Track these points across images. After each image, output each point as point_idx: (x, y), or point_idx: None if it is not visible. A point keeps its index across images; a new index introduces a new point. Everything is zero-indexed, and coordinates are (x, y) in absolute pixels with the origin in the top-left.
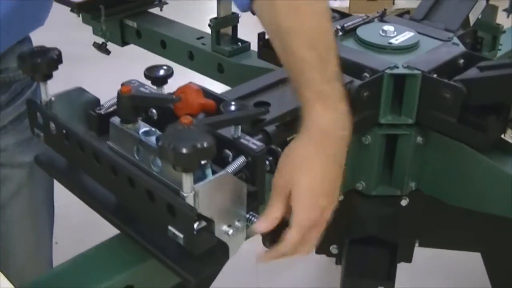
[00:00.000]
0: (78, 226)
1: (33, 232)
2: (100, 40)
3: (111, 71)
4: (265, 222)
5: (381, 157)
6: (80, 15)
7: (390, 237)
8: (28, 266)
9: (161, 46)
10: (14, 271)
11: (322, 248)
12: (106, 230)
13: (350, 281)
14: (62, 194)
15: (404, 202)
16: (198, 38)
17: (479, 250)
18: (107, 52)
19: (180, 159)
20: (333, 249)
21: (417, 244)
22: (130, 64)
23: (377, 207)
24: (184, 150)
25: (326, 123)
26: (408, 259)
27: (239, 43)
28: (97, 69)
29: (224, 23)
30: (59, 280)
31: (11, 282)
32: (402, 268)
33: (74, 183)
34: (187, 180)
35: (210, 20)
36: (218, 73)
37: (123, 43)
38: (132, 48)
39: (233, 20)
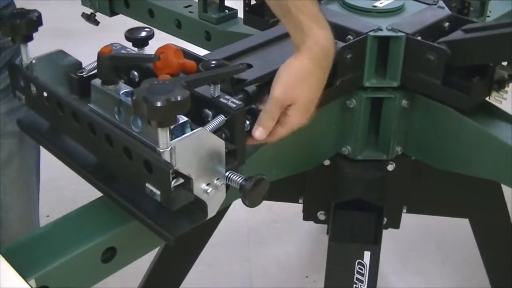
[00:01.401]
0: (69, 198)
1: (24, 199)
2: (89, 11)
3: (104, 44)
4: (262, 129)
5: (366, 121)
6: None
7: (376, 200)
8: (20, 233)
9: (149, 15)
10: (7, 238)
11: (309, 215)
12: None
13: (336, 246)
14: (53, 167)
15: (390, 167)
16: (186, 7)
17: (466, 215)
18: (96, 22)
19: (154, 112)
20: (321, 215)
21: (405, 210)
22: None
23: (363, 171)
24: (158, 103)
25: (324, 39)
26: (396, 225)
27: (226, 11)
28: (90, 43)
29: None
30: (41, 241)
31: None
32: (393, 239)
33: (55, 145)
34: (162, 136)
35: None
36: (205, 41)
37: (112, 13)
38: (124, 22)
39: None
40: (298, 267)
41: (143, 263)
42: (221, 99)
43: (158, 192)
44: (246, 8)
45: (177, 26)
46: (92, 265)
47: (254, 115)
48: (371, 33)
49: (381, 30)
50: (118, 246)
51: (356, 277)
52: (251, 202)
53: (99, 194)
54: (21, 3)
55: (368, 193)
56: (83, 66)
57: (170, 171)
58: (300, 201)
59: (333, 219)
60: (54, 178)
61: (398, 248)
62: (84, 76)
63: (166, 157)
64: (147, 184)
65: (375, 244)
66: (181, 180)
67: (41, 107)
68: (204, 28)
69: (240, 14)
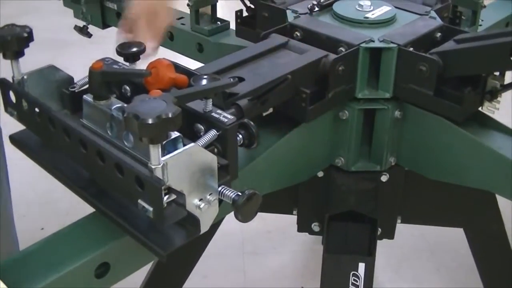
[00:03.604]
0: (64, 211)
1: None
2: (81, 24)
3: (96, 56)
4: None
5: (359, 132)
6: None
7: (369, 212)
8: None
9: None
10: None
11: (303, 226)
12: None
13: (331, 257)
14: (47, 179)
15: (384, 178)
16: (178, 19)
17: (461, 225)
18: (89, 35)
19: (145, 129)
20: (315, 226)
21: (399, 221)
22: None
23: (357, 183)
24: (150, 121)
25: None
26: (390, 236)
27: (219, 22)
28: (81, 54)
29: (203, 2)
30: (32, 258)
31: None
32: (387, 247)
33: (47, 161)
34: (154, 152)
35: (189, 0)
36: (198, 53)
37: (104, 25)
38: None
39: None
40: (293, 277)
41: (137, 277)
42: (213, 114)
43: (151, 209)
44: (238, 20)
45: (169, 38)
46: (86, 281)
47: (246, 129)
48: (363, 45)
49: (373, 41)
50: (111, 261)
51: None
52: (244, 217)
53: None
54: (13, 12)
55: (361, 205)
56: (75, 81)
57: (162, 188)
58: (294, 212)
59: (327, 231)
60: (49, 190)
61: (392, 256)
62: (76, 91)
63: (158, 173)
64: (139, 201)
65: (369, 255)
66: (174, 196)
67: (32, 123)
68: (196, 40)
69: (232, 26)
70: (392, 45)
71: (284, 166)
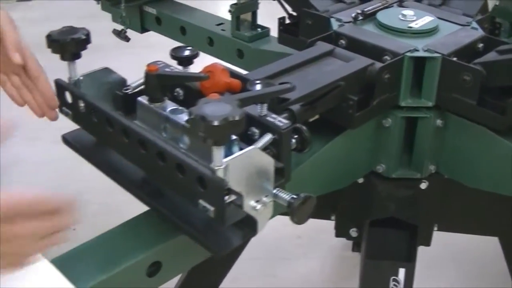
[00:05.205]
0: (94, 212)
1: None
2: (117, 28)
3: (127, 60)
4: None
5: (400, 140)
6: (100, 2)
7: (410, 219)
8: None
9: (181, 32)
10: None
11: (342, 232)
12: (123, 215)
13: (371, 263)
14: (77, 181)
15: (423, 185)
16: (218, 24)
17: (496, 234)
18: (127, 39)
19: (211, 131)
20: (353, 232)
21: (435, 228)
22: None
23: (397, 189)
24: (216, 122)
25: None
26: (427, 243)
27: (259, 29)
28: (113, 59)
29: (244, 9)
30: (86, 255)
31: None
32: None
33: (101, 160)
34: (217, 154)
35: (231, 6)
36: (238, 59)
37: (143, 29)
38: (146, 37)
39: (253, 5)
40: (323, 282)
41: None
42: (268, 118)
43: (212, 208)
44: (281, 28)
45: (209, 44)
46: (138, 279)
47: (299, 134)
48: (408, 54)
49: (417, 50)
50: (163, 261)
51: None
52: (299, 219)
53: (123, 208)
54: (39, 17)
55: (402, 211)
56: (128, 83)
57: (225, 188)
58: (332, 218)
59: (367, 237)
60: (79, 192)
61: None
62: (129, 93)
63: (220, 174)
64: (200, 200)
65: (409, 261)
66: (234, 197)
67: (88, 123)
68: (236, 46)
69: (272, 33)
70: (436, 54)
71: (327, 172)
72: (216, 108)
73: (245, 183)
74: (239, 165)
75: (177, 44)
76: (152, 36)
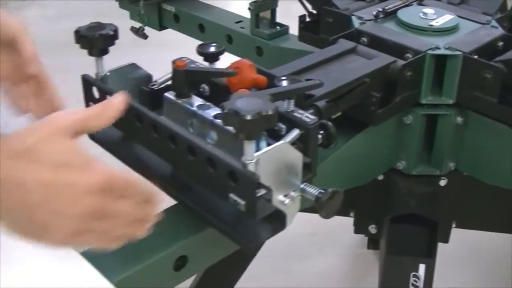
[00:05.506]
0: None
1: None
2: (132, 26)
3: (141, 58)
4: None
5: (421, 137)
6: (118, 0)
7: (430, 215)
8: None
9: (199, 30)
10: None
11: (361, 228)
12: None
13: (392, 258)
14: None
15: (443, 182)
16: (237, 22)
17: None
18: (145, 36)
19: (245, 125)
20: (372, 228)
21: (454, 225)
22: (159, 50)
23: (417, 186)
24: (249, 117)
25: None
26: (445, 240)
27: (278, 27)
28: (127, 57)
29: (264, 7)
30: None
31: None
32: None
33: (128, 155)
34: (249, 148)
35: (250, 4)
36: (257, 56)
37: (161, 27)
38: (160, 36)
39: (272, 3)
40: (338, 280)
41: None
42: (296, 114)
43: (243, 202)
44: (301, 25)
45: (227, 41)
46: (165, 273)
47: (326, 130)
48: (430, 52)
49: (439, 48)
50: (189, 255)
51: None
52: (326, 213)
53: None
54: (54, 14)
55: (422, 208)
56: (153, 79)
57: (256, 182)
58: (351, 214)
59: (388, 233)
60: None
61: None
62: (155, 89)
63: (251, 168)
64: (230, 194)
65: (429, 257)
66: (264, 191)
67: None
68: (256, 43)
69: (291, 31)
70: (457, 52)
71: (349, 168)
72: (249, 103)
73: (274, 177)
74: (269, 160)
75: (194, 41)
76: (165, 34)
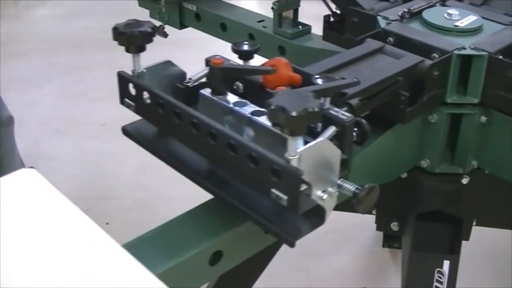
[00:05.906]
0: (126, 207)
1: None
2: (157, 24)
3: (151, 56)
4: None
5: (445, 135)
6: None
7: (455, 212)
8: None
9: (221, 29)
10: None
11: (382, 225)
12: (154, 210)
13: (417, 255)
14: (109, 177)
15: (465, 180)
16: (259, 21)
17: None
18: (165, 35)
19: (290, 121)
20: (394, 226)
21: (474, 223)
22: (170, 49)
23: (441, 184)
24: (295, 113)
25: None
26: (466, 237)
27: (300, 26)
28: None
29: (287, 6)
30: (150, 244)
31: None
32: None
33: (164, 151)
34: (292, 144)
35: (273, 3)
36: (279, 55)
37: (181, 26)
38: (177, 35)
39: (295, 3)
40: (355, 277)
41: None
42: (331, 111)
43: (285, 197)
44: (326, 25)
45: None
46: (200, 268)
47: (360, 127)
48: (456, 52)
49: (465, 48)
50: (225, 250)
51: (435, 286)
52: (364, 208)
53: (154, 203)
54: (68, 13)
55: (447, 205)
56: (188, 76)
57: (300, 177)
58: (373, 212)
59: (413, 230)
60: (111, 187)
61: None
62: (190, 86)
63: (294, 164)
64: (272, 190)
65: (453, 253)
66: (305, 186)
67: (152, 115)
68: (278, 42)
69: (314, 30)
70: (483, 52)
71: (376, 165)
72: (294, 100)
73: (314, 173)
74: (310, 156)
75: (214, 40)
76: (182, 34)
